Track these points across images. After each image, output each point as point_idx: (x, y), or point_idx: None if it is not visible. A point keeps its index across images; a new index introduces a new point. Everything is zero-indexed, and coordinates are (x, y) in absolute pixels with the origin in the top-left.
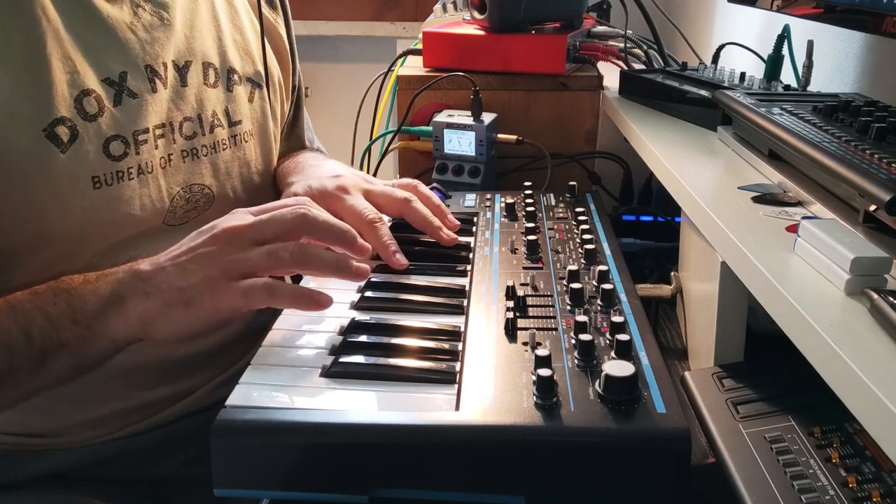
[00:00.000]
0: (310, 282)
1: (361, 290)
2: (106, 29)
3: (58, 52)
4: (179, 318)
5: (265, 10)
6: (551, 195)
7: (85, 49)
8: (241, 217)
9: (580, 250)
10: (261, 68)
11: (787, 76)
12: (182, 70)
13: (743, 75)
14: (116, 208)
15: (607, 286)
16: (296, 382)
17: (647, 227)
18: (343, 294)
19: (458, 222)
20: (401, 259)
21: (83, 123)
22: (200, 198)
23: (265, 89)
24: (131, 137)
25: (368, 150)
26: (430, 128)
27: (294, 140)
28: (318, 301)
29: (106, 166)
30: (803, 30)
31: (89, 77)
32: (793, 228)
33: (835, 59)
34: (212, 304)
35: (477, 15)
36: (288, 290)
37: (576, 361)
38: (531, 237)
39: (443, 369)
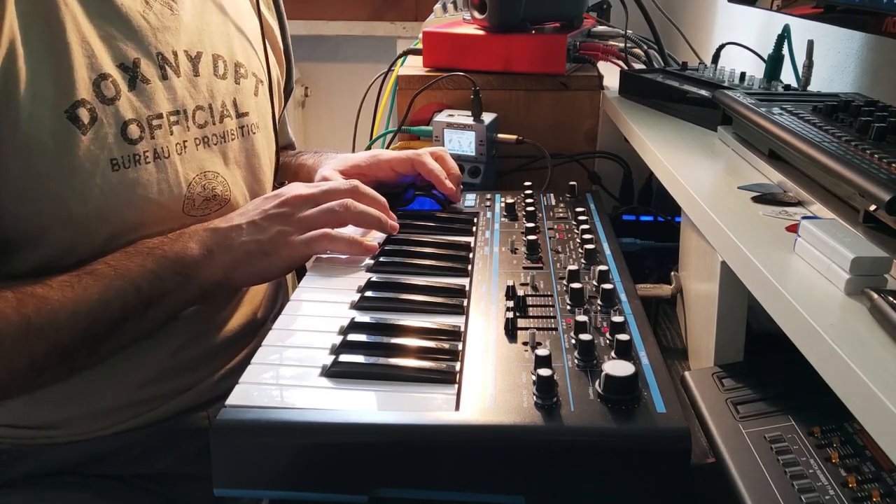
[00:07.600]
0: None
1: (361, 290)
2: (120, 16)
3: (77, 37)
4: (258, 266)
5: (263, 11)
6: (551, 195)
7: (101, 35)
8: (304, 187)
9: (580, 250)
10: (263, 65)
11: (788, 76)
12: (195, 60)
13: (743, 75)
14: (134, 191)
15: (607, 286)
16: (296, 382)
17: (647, 227)
18: (343, 294)
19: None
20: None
21: (101, 107)
22: (216, 185)
23: (266, 86)
24: (146, 122)
25: (369, 149)
26: (430, 128)
27: (282, 138)
28: (367, 248)
29: (124, 149)
30: (803, 30)
31: (106, 62)
32: (793, 228)
33: (835, 58)
34: (285, 252)
35: (477, 15)
36: (344, 237)
37: (576, 361)
38: (531, 237)
39: (443, 369)
